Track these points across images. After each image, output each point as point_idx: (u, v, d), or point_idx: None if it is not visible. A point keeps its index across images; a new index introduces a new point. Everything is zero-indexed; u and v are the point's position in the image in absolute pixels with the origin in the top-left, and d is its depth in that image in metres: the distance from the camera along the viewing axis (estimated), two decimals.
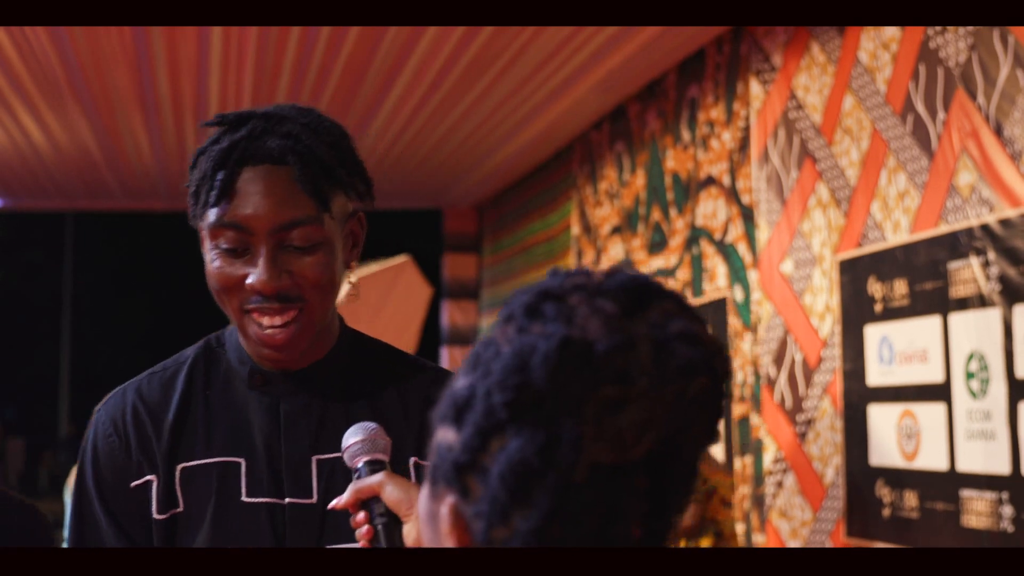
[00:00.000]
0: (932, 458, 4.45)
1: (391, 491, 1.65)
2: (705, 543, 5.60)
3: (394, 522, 1.67)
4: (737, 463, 5.99)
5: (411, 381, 1.98)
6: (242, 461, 1.85)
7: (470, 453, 1.00)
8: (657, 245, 7.05)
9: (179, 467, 1.85)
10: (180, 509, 1.84)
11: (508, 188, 10.09)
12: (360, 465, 1.77)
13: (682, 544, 5.66)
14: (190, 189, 1.89)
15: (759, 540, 5.73)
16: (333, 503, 1.74)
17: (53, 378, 27.10)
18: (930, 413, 4.46)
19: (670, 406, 0.97)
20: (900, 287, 4.64)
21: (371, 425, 1.80)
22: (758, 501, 5.76)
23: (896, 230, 4.70)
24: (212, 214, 1.82)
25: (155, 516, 1.84)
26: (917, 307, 4.54)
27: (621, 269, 1.07)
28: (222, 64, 6.58)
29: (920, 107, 4.56)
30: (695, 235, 6.53)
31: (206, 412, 1.89)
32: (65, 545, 1.89)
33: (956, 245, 4.31)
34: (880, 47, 4.82)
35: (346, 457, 1.78)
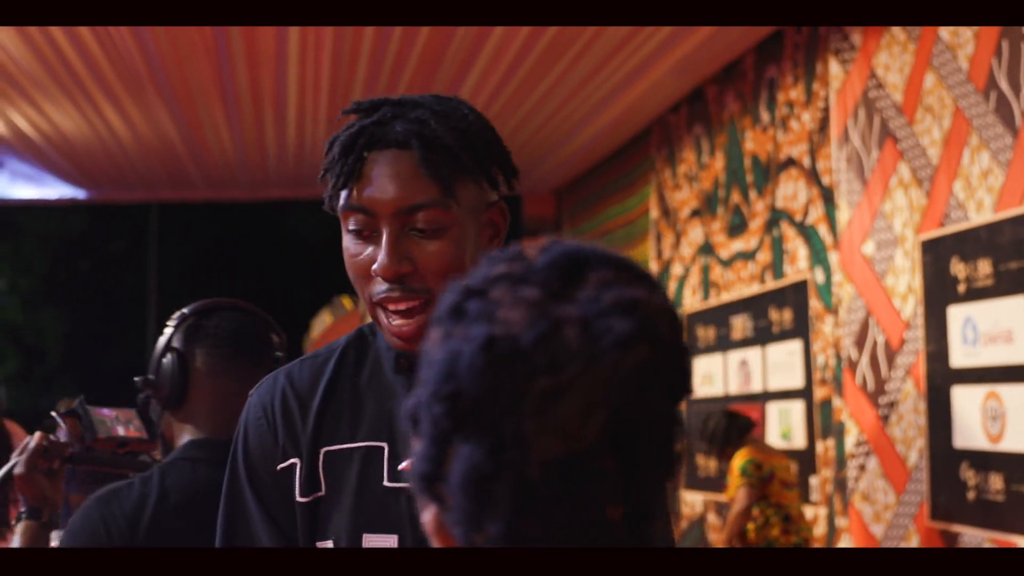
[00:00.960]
0: (1018, 440, 4.40)
1: None
2: (775, 530, 5.58)
3: None
4: (819, 446, 5.95)
5: None
6: (385, 446, 1.86)
7: (432, 464, 0.98)
8: (737, 228, 7.01)
9: (323, 451, 1.87)
10: (322, 493, 1.86)
11: (586, 173, 10.07)
12: None
13: (751, 536, 5.64)
14: (322, 175, 1.91)
15: (842, 524, 5.69)
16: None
17: (140, 368, 27.40)
18: (1016, 394, 4.41)
19: (609, 384, 0.93)
20: (984, 267, 4.59)
21: None
22: (840, 485, 5.72)
23: (979, 209, 4.64)
24: (341, 197, 1.84)
25: (298, 499, 1.86)
26: (1001, 287, 4.49)
27: (553, 244, 1.01)
28: (300, 56, 6.63)
29: (1004, 84, 4.49)
30: (775, 217, 6.49)
31: (353, 397, 1.91)
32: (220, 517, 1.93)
33: None
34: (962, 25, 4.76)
35: None
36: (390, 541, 1.81)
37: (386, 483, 1.84)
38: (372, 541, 1.81)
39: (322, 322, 12.70)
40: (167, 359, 2.71)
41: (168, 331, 2.76)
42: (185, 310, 2.82)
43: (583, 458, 0.93)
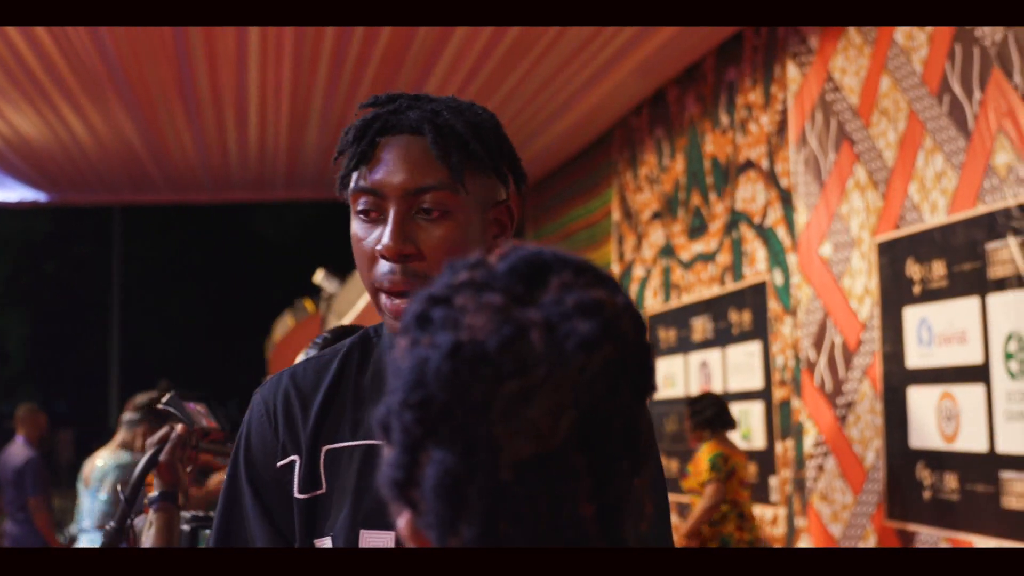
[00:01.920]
0: (972, 440, 4.44)
1: None
2: (729, 526, 5.62)
3: None
4: (778, 447, 5.99)
5: None
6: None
7: (403, 470, 0.99)
8: (697, 230, 7.04)
9: (324, 448, 1.89)
10: (322, 490, 1.88)
11: (549, 175, 10.10)
12: None
13: (707, 529, 5.68)
14: (335, 161, 1.94)
15: (801, 524, 5.73)
16: None
17: (103, 370, 27.33)
18: (969, 395, 4.45)
19: (577, 385, 0.95)
20: (938, 268, 4.63)
21: None
22: (799, 485, 5.76)
23: (934, 211, 4.68)
24: (352, 179, 1.87)
25: (297, 495, 1.88)
26: (955, 288, 4.53)
27: (513, 250, 1.03)
28: (261, 58, 6.62)
29: (956, 87, 4.54)
30: (735, 219, 6.52)
31: (355, 397, 1.93)
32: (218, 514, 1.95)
33: (994, 225, 4.29)
34: (916, 27, 4.80)
35: None
36: (387, 538, 1.82)
37: None
38: (369, 538, 1.83)
39: (284, 325, 12.68)
40: None
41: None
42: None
43: (554, 458, 0.94)
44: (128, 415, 7.08)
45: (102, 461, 6.80)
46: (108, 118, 7.91)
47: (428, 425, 0.96)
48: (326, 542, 1.84)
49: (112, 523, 2.91)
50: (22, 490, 8.68)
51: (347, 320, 8.01)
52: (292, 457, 1.90)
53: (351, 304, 8.50)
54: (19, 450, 9.07)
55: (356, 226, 1.87)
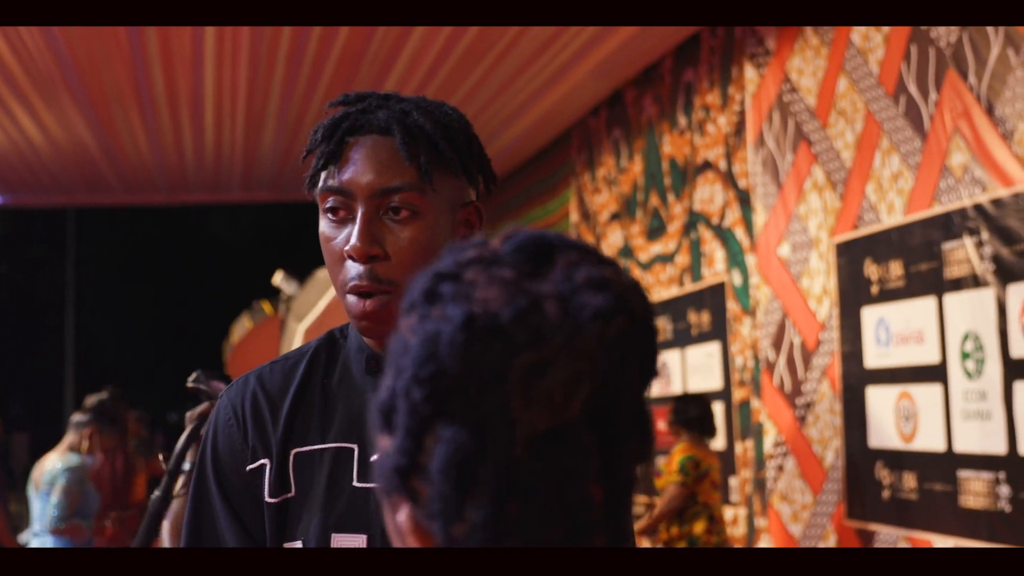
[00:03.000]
0: (930, 439, 4.46)
1: None
2: (699, 526, 5.62)
3: None
4: (738, 447, 6.00)
5: None
6: (355, 447, 1.87)
7: (407, 456, 0.96)
8: (656, 231, 7.05)
9: (293, 452, 1.88)
10: (292, 494, 1.86)
11: (507, 176, 10.10)
12: None
13: (675, 530, 5.68)
14: (304, 159, 1.92)
15: (761, 524, 5.74)
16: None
17: (57, 373, 27.14)
18: (927, 394, 4.47)
19: (592, 355, 0.93)
20: (896, 268, 4.65)
21: None
22: (759, 485, 5.77)
23: (891, 212, 4.70)
24: (320, 179, 1.86)
25: (267, 499, 1.86)
26: (912, 288, 4.55)
27: (517, 232, 1.01)
28: (216, 59, 6.58)
29: (912, 88, 4.56)
30: (693, 220, 6.54)
31: (323, 399, 1.91)
32: (185, 520, 1.93)
33: (950, 226, 4.31)
34: (872, 28, 4.82)
35: None
36: (359, 540, 1.81)
37: (355, 483, 1.85)
38: (341, 541, 1.82)
39: (242, 327, 12.61)
40: None
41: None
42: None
43: (567, 433, 0.93)
44: (76, 417, 7.04)
45: (51, 464, 6.75)
46: (62, 119, 7.85)
47: (439, 401, 0.94)
48: (296, 546, 1.83)
49: (158, 492, 2.96)
50: None
51: (308, 321, 7.98)
52: (262, 461, 1.88)
53: (311, 306, 8.47)
54: None
55: (324, 225, 1.86)
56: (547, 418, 0.92)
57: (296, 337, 8.41)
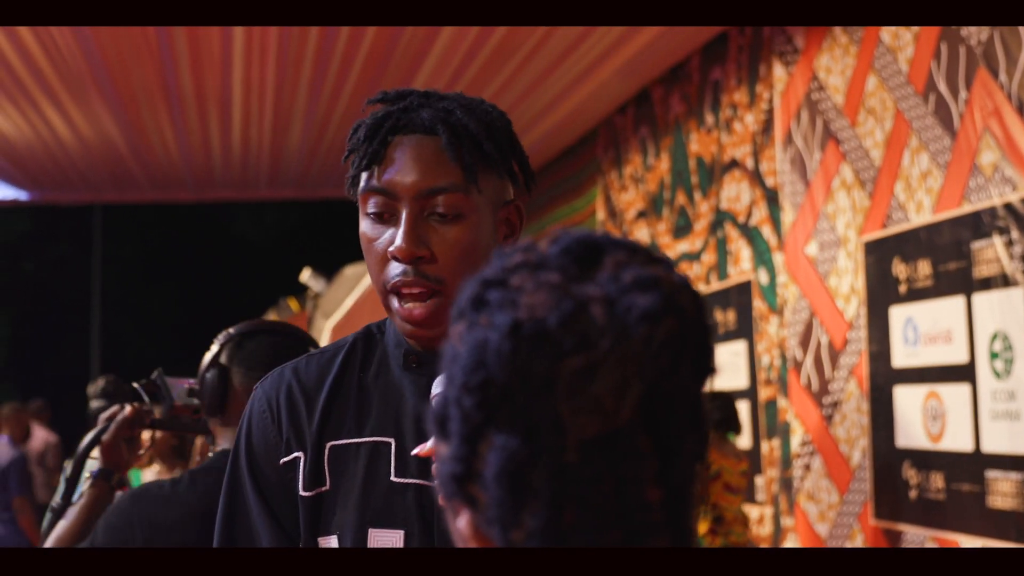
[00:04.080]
0: (957, 439, 4.45)
1: None
2: (703, 526, 5.61)
3: None
4: (764, 446, 5.99)
5: None
6: (392, 441, 1.86)
7: (463, 463, 0.96)
8: (682, 229, 7.04)
9: (328, 445, 1.87)
10: (327, 487, 1.86)
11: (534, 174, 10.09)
12: None
13: None
14: (345, 159, 1.91)
15: (787, 523, 5.73)
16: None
17: (83, 370, 27.23)
18: (955, 394, 4.46)
19: (641, 358, 0.92)
20: (924, 268, 4.64)
21: None
22: (786, 484, 5.76)
23: (919, 210, 4.68)
24: (362, 179, 1.84)
25: (301, 493, 1.86)
26: (941, 287, 4.54)
27: (564, 233, 1.00)
28: (245, 58, 6.60)
29: (942, 86, 4.54)
30: (719, 218, 6.53)
31: (359, 393, 1.90)
32: (219, 512, 1.93)
33: (979, 225, 4.30)
34: (902, 27, 4.80)
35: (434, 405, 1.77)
36: (396, 536, 1.80)
37: (393, 478, 1.84)
38: (378, 536, 1.81)
39: None
40: (210, 374, 2.87)
41: (215, 347, 2.91)
42: (231, 330, 2.98)
43: (620, 437, 0.92)
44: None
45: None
46: (91, 116, 7.88)
47: (489, 409, 0.93)
48: (331, 540, 1.82)
49: (58, 499, 2.94)
50: (6, 490, 8.65)
51: (336, 318, 7.99)
52: (296, 454, 1.88)
53: (339, 302, 8.48)
54: (3, 450, 9.04)
55: (366, 226, 1.85)
56: (597, 423, 0.92)
57: (324, 334, 8.43)
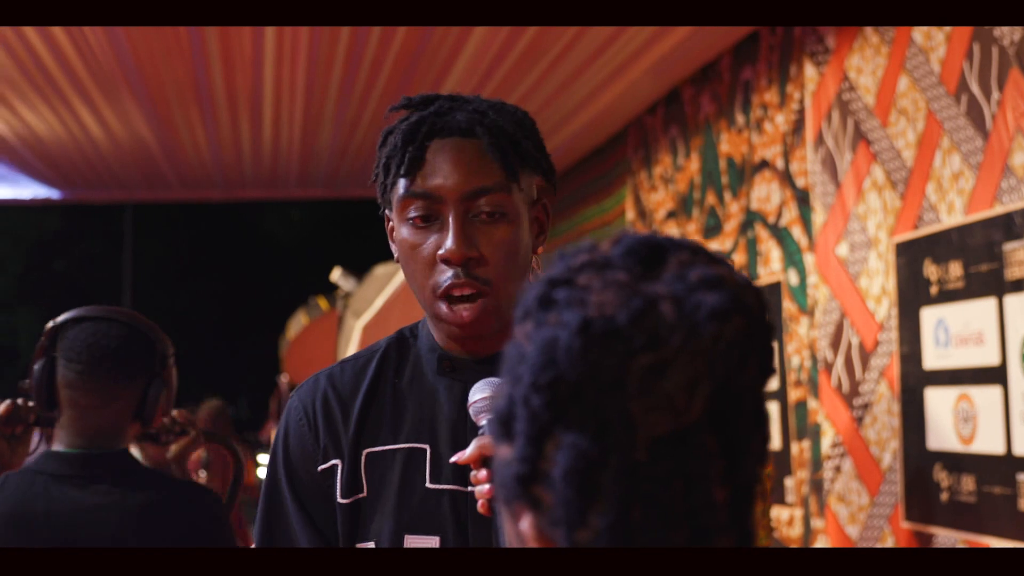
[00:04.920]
0: (988, 442, 4.43)
1: None
2: None
3: None
4: (794, 448, 5.98)
5: None
6: (427, 447, 1.86)
7: (528, 464, 0.96)
8: (712, 229, 7.03)
9: (365, 452, 1.88)
10: (364, 494, 1.86)
11: (562, 174, 10.08)
12: (484, 422, 1.77)
13: None
14: (378, 166, 1.91)
15: (818, 525, 5.72)
16: (456, 456, 1.74)
17: None
18: (986, 396, 4.44)
19: (711, 356, 0.93)
20: (955, 269, 4.62)
21: (498, 380, 1.78)
22: (816, 486, 5.75)
23: (951, 212, 4.67)
24: (402, 185, 1.85)
25: (339, 500, 1.87)
26: (972, 289, 4.52)
27: (626, 234, 1.02)
28: (276, 58, 6.62)
29: (975, 87, 4.52)
30: (749, 219, 6.51)
31: (394, 399, 1.91)
32: (257, 521, 1.93)
33: (1011, 226, 4.28)
34: (934, 27, 4.78)
35: (472, 412, 1.77)
36: (432, 542, 1.81)
37: (428, 484, 1.85)
38: (414, 542, 1.82)
39: (298, 323, 12.68)
40: (37, 366, 2.78)
41: (42, 338, 2.85)
42: (59, 318, 2.88)
43: (688, 435, 0.93)
44: None
45: None
46: (122, 116, 7.92)
47: (558, 407, 0.93)
48: (368, 547, 1.83)
49: None
50: None
51: (366, 318, 7.99)
52: (334, 461, 1.89)
53: (369, 302, 8.49)
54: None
55: (408, 232, 1.85)
56: (668, 420, 0.92)
57: (354, 334, 8.44)
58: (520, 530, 0.99)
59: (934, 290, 4.77)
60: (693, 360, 0.92)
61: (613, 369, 0.92)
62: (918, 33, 4.89)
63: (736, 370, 0.95)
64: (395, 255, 1.91)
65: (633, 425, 0.92)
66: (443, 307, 1.82)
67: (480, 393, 1.76)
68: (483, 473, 1.69)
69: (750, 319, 0.96)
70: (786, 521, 6.00)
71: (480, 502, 1.67)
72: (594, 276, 0.97)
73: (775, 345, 0.99)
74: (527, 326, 0.99)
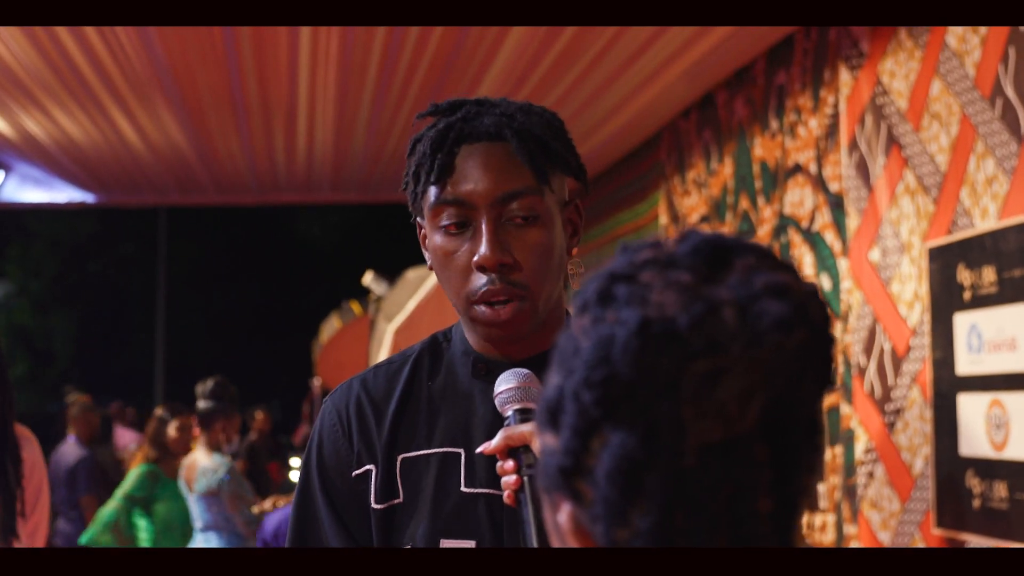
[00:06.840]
0: (1021, 448, 4.40)
1: None
2: None
3: None
4: (827, 453, 5.96)
5: None
6: (462, 452, 1.86)
7: (572, 456, 0.95)
8: (745, 234, 7.01)
9: (400, 457, 1.87)
10: (399, 499, 1.86)
11: (596, 178, 10.08)
12: (511, 413, 1.76)
13: None
14: (407, 174, 1.91)
15: (850, 531, 5.70)
16: (482, 447, 1.74)
17: (148, 369, 27.47)
18: (1019, 403, 4.41)
19: (770, 367, 0.91)
20: (988, 274, 4.59)
21: (524, 372, 1.79)
22: (849, 492, 5.73)
23: (984, 216, 4.64)
24: (432, 192, 1.84)
25: (374, 505, 1.86)
26: (1006, 294, 4.49)
27: (693, 232, 0.99)
28: (310, 62, 6.65)
29: (1009, 91, 4.50)
30: (783, 224, 6.50)
31: (428, 403, 1.91)
32: (289, 526, 1.93)
33: None
34: (969, 30, 4.76)
35: (497, 403, 1.78)
36: (467, 546, 1.80)
37: (463, 489, 1.84)
38: (449, 546, 1.81)
39: (331, 327, 12.71)
40: None
41: None
42: None
43: (739, 445, 0.91)
44: (202, 405, 7.11)
45: (204, 468, 6.84)
46: (157, 121, 7.97)
47: (609, 405, 0.92)
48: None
49: None
50: (74, 489, 8.76)
51: (398, 321, 8.01)
52: (368, 466, 1.88)
53: (401, 306, 8.51)
54: (71, 449, 9.14)
55: (442, 240, 1.83)
56: (719, 429, 0.91)
57: (386, 337, 8.46)
58: (558, 521, 0.98)
59: (967, 295, 4.75)
60: (751, 370, 0.91)
61: (668, 372, 0.91)
62: (952, 36, 4.87)
63: (794, 382, 0.93)
64: (428, 262, 1.91)
65: (683, 430, 0.91)
66: (481, 308, 1.82)
67: (506, 384, 1.76)
68: (509, 464, 1.69)
69: (813, 331, 0.95)
70: (818, 527, 5.98)
71: (506, 492, 1.67)
72: (657, 274, 0.95)
73: (834, 357, 0.97)
74: (584, 320, 0.97)
